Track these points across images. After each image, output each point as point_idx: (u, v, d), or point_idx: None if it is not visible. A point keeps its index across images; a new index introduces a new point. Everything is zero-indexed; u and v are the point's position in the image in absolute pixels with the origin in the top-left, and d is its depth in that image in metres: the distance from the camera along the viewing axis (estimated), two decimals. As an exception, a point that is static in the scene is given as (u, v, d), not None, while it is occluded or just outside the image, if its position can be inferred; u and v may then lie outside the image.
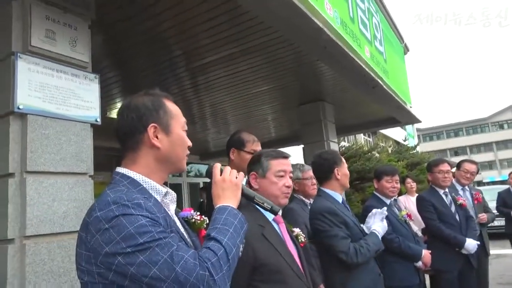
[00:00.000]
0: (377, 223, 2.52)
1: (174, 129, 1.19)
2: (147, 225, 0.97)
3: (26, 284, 1.82)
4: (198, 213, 1.44)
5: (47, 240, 1.96)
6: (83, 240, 1.00)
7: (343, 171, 2.58)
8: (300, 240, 2.20)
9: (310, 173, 3.14)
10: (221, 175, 1.27)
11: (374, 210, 2.60)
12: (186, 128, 1.24)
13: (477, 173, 4.35)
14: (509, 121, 54.48)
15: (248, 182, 1.87)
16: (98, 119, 2.36)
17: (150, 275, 0.93)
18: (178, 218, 1.26)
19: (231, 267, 1.04)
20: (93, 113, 2.34)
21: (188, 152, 1.24)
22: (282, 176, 1.82)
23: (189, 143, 1.24)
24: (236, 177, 1.26)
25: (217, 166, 1.29)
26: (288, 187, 1.83)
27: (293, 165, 3.46)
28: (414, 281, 3.02)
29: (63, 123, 2.15)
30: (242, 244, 1.14)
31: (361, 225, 2.60)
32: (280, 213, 2.03)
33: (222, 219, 1.13)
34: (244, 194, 1.31)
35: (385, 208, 2.62)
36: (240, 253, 1.12)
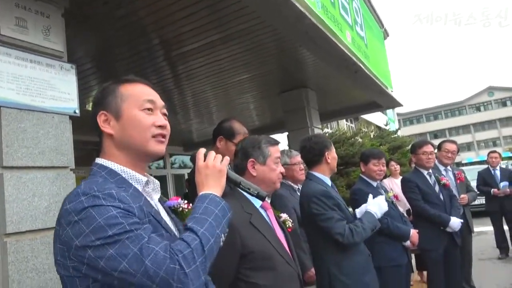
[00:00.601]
0: (372, 205, 2.51)
1: (125, 112, 1.11)
2: (118, 217, 0.93)
3: (10, 283, 1.76)
4: (186, 201, 1.38)
5: (29, 237, 1.89)
6: (57, 234, 0.98)
7: (332, 155, 2.59)
8: (287, 226, 2.20)
9: (298, 158, 3.15)
10: (205, 160, 1.20)
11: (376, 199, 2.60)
12: (148, 106, 1.13)
13: (458, 152, 4.45)
14: (485, 103, 56.01)
15: (245, 168, 1.83)
16: (77, 111, 2.27)
17: (120, 269, 0.89)
18: (164, 207, 1.22)
19: (208, 258, 0.98)
20: (71, 104, 2.26)
21: (158, 132, 1.12)
22: (278, 163, 1.86)
23: (157, 122, 1.13)
24: (221, 163, 1.19)
25: (201, 151, 1.22)
26: (282, 173, 1.88)
27: (280, 151, 3.47)
28: (402, 261, 3.09)
29: (39, 115, 2.06)
30: (223, 233, 1.08)
31: (349, 208, 2.62)
32: (268, 200, 2.02)
33: (202, 207, 1.06)
34: (229, 179, 1.23)
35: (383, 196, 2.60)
36: (221, 243, 1.07)
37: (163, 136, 1.15)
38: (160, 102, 1.18)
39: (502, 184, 6.26)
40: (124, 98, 1.13)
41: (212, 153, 1.20)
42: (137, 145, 1.11)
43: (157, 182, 1.21)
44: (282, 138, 9.56)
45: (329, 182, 2.56)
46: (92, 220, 0.92)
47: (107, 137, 1.13)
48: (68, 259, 0.95)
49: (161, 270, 0.89)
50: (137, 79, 1.19)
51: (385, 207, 2.53)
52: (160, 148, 1.14)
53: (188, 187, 2.74)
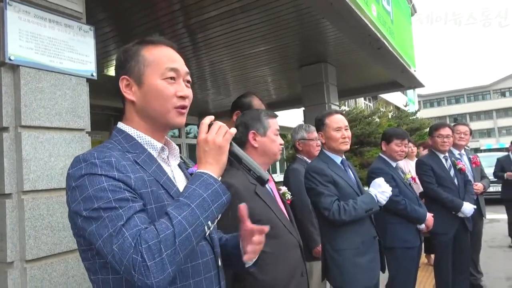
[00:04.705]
0: (375, 188, 2.48)
1: (147, 79, 1.08)
2: (107, 189, 0.92)
3: (26, 238, 1.83)
4: None
5: (45, 196, 1.94)
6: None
7: (327, 135, 2.55)
8: (286, 198, 2.26)
9: (315, 134, 3.12)
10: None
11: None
12: (171, 75, 1.09)
13: (471, 134, 4.35)
14: (511, 89, 53.92)
15: (246, 141, 1.84)
16: (94, 74, 2.27)
17: (97, 246, 0.92)
18: (185, 174, 1.22)
19: (180, 250, 0.89)
20: (89, 67, 2.25)
21: (179, 103, 1.09)
22: (277, 135, 1.90)
23: (179, 92, 1.09)
24: (224, 137, 1.04)
25: (206, 121, 1.06)
26: (281, 144, 1.93)
27: (299, 126, 3.45)
28: (415, 243, 3.08)
29: (57, 76, 2.06)
30: (211, 220, 0.96)
31: (365, 188, 2.60)
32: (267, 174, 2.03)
33: (190, 189, 0.96)
34: (232, 155, 1.10)
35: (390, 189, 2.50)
36: (209, 230, 0.97)
37: (184, 107, 1.10)
38: (183, 69, 1.13)
39: None
40: (147, 63, 1.09)
41: (216, 125, 1.06)
42: (157, 115, 1.09)
43: (176, 147, 1.20)
44: (298, 114, 9.48)
45: (338, 160, 2.54)
46: (85, 189, 0.93)
47: (129, 103, 1.12)
48: (69, 218, 1.01)
49: (124, 259, 0.87)
50: (162, 40, 1.14)
51: (383, 188, 2.44)
52: (180, 120, 1.11)
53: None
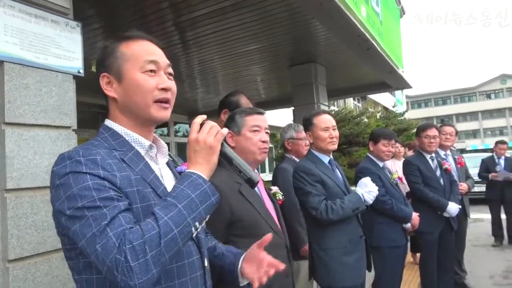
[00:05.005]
0: (362, 188, 2.50)
1: (127, 74, 1.06)
2: (91, 188, 0.91)
3: (9, 237, 1.79)
4: None
5: (29, 194, 1.91)
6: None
7: (314, 135, 2.56)
8: (277, 198, 2.25)
9: (304, 133, 3.13)
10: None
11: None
12: (150, 67, 1.07)
13: (456, 134, 4.42)
14: (496, 91, 54.94)
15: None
16: (81, 71, 2.23)
17: (80, 245, 0.91)
18: (173, 172, 1.20)
19: (165, 251, 0.87)
20: (76, 64, 2.22)
21: (161, 96, 1.07)
22: (257, 131, 1.79)
23: (160, 85, 1.07)
24: (215, 137, 1.03)
25: (197, 122, 1.04)
26: (264, 142, 1.80)
27: (288, 125, 3.45)
28: (401, 242, 3.12)
29: (43, 73, 2.02)
30: (199, 221, 0.95)
31: (352, 187, 2.62)
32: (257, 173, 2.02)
33: (178, 189, 0.95)
34: (223, 155, 1.09)
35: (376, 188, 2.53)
36: (196, 231, 0.96)
37: (167, 100, 1.08)
38: (164, 62, 1.11)
39: (498, 168, 6.27)
40: (125, 58, 1.07)
41: (207, 124, 1.04)
42: (139, 110, 1.07)
43: (164, 145, 1.19)
44: (288, 113, 9.49)
45: (325, 160, 2.56)
46: (69, 187, 0.93)
47: (111, 100, 1.11)
48: (54, 216, 1.00)
49: (107, 259, 0.85)
50: (139, 35, 1.12)
51: (370, 188, 2.45)
52: (163, 114, 1.09)
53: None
